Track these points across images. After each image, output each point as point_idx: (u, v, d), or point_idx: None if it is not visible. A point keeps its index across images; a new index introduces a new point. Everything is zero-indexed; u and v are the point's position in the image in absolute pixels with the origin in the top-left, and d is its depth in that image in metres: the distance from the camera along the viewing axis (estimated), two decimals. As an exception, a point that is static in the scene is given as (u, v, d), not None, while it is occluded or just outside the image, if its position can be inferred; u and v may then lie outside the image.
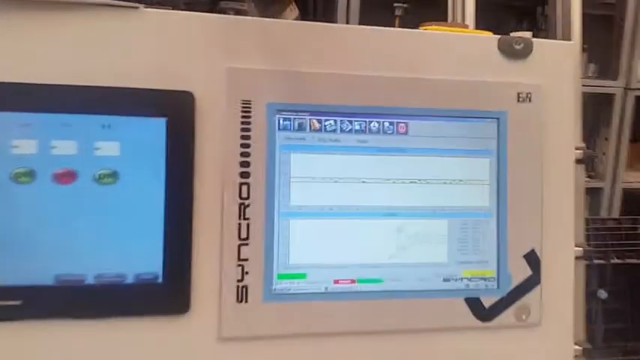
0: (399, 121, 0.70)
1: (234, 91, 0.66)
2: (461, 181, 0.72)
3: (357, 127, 0.69)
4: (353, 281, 0.69)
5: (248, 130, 0.66)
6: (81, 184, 0.62)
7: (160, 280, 0.64)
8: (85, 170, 0.62)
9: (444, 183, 0.71)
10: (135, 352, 0.64)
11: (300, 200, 0.68)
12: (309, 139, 0.68)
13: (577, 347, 0.78)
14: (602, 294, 1.59)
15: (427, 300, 0.71)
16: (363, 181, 0.69)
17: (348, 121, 0.69)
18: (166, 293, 0.64)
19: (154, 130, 0.64)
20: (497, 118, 0.72)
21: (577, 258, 0.79)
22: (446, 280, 0.71)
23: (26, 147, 0.61)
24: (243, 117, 0.66)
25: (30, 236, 0.61)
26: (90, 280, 0.62)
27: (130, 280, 0.63)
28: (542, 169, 0.74)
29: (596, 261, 1.60)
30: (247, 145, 0.66)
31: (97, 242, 0.62)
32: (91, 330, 0.63)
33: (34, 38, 0.62)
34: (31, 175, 0.61)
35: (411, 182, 0.70)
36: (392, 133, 0.70)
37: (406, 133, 0.70)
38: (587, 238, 1.49)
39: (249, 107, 0.66)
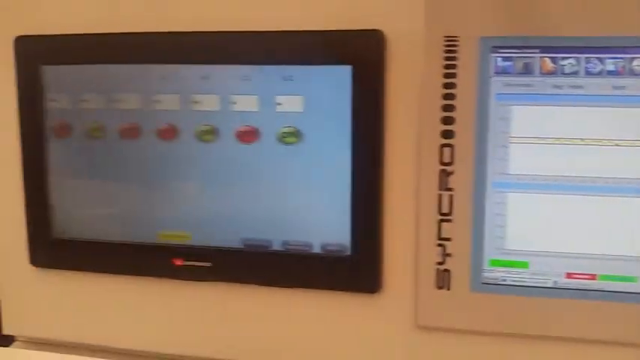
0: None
1: (434, 25, 0.51)
2: None
3: (612, 68, 0.48)
4: (593, 277, 0.52)
5: (452, 75, 0.51)
6: (263, 144, 0.56)
7: (349, 252, 0.56)
8: (267, 128, 0.56)
9: None
10: (318, 327, 0.58)
11: (522, 168, 0.51)
12: (538, 86, 0.50)
13: None
14: None
15: None
16: (617, 144, 0.49)
17: (598, 58, 0.48)
18: (355, 268, 0.56)
19: (338, 80, 0.53)
20: None
21: None
22: None
23: (208, 103, 0.57)
24: (446, 58, 0.51)
25: (217, 197, 0.58)
26: (276, 247, 0.58)
27: (316, 249, 0.57)
28: None
29: None
30: (451, 96, 0.51)
31: (281, 207, 0.57)
32: (275, 298, 0.58)
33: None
34: (214, 132, 0.57)
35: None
36: (669, 72, 0.48)
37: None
38: None
39: (454, 45, 0.50)
